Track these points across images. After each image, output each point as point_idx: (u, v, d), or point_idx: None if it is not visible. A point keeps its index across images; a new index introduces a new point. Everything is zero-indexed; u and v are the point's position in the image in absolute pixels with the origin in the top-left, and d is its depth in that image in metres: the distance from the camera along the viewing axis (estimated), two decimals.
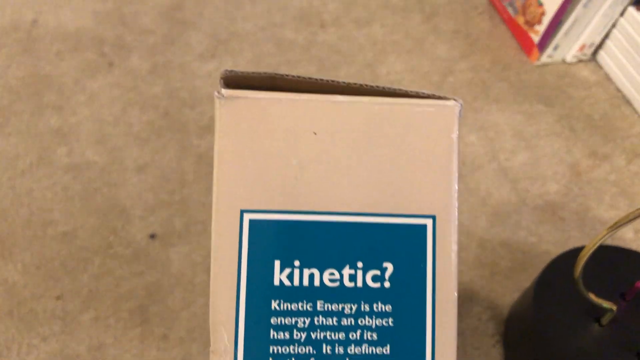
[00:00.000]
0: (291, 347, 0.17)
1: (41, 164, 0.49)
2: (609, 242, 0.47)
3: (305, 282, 0.17)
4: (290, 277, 0.17)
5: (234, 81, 0.17)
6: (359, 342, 0.17)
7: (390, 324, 0.17)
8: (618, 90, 0.58)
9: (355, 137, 0.17)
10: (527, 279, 0.45)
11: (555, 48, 0.58)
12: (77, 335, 0.40)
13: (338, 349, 0.17)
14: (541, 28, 0.57)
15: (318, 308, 0.17)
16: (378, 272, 0.17)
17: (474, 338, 0.42)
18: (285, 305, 0.17)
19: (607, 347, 0.37)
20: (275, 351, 0.17)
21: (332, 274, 0.17)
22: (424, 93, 0.17)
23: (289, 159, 0.17)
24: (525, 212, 0.49)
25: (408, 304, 0.17)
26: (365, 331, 0.17)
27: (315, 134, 0.17)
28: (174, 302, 0.42)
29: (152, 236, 0.45)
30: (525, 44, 0.60)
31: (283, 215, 0.17)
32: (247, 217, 0.17)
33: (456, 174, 0.17)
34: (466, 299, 0.44)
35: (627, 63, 0.56)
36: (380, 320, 0.17)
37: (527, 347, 0.39)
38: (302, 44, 0.59)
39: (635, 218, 0.31)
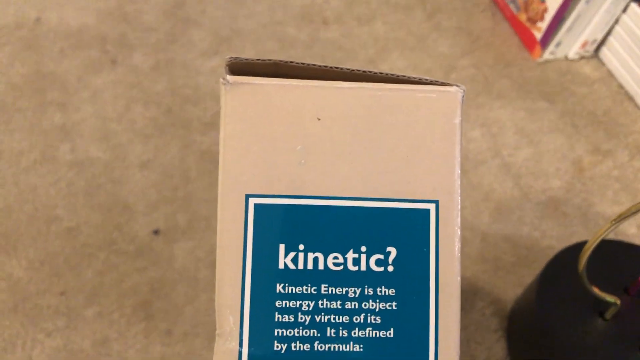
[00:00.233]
0: (295, 329, 0.17)
1: (45, 161, 0.49)
2: (612, 237, 0.47)
3: (310, 266, 0.17)
4: (294, 260, 0.17)
5: (238, 68, 0.17)
6: (362, 326, 0.17)
7: (394, 307, 0.17)
8: (621, 86, 0.58)
9: (359, 123, 0.17)
10: (530, 274, 0.45)
11: (558, 45, 0.58)
12: (81, 330, 0.41)
13: (342, 332, 0.17)
14: (543, 25, 0.57)
15: (322, 291, 0.17)
16: (382, 256, 0.17)
17: (478, 333, 0.42)
18: (289, 289, 0.17)
19: (611, 341, 0.37)
20: (280, 334, 0.17)
21: (336, 258, 0.17)
22: (426, 79, 0.18)
23: (293, 144, 0.17)
24: (528, 208, 0.49)
25: (411, 288, 0.17)
26: (369, 315, 0.17)
27: (319, 119, 0.17)
28: (178, 298, 0.42)
29: (156, 232, 0.45)
30: (527, 41, 0.60)
31: (288, 200, 0.17)
32: (252, 201, 0.17)
33: (459, 159, 0.17)
34: (469, 294, 0.44)
35: (629, 59, 0.56)
36: (384, 304, 0.17)
37: (530, 342, 0.39)
38: (305, 41, 0.59)
39: (638, 211, 0.31)
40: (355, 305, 0.17)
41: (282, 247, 0.17)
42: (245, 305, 0.17)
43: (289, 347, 0.17)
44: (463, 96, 0.18)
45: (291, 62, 0.17)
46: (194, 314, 0.41)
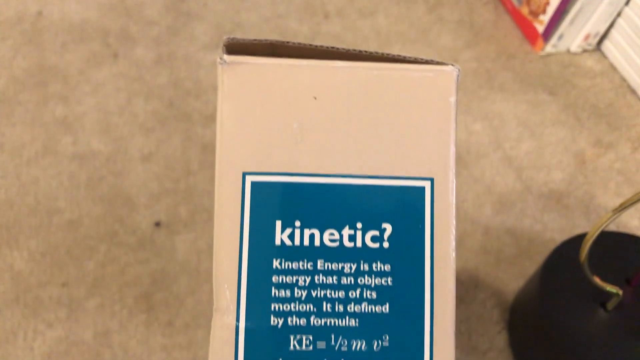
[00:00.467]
0: (292, 304, 0.17)
1: (47, 153, 0.49)
2: (614, 229, 0.47)
3: (306, 242, 0.17)
4: (291, 237, 0.17)
5: (235, 48, 0.17)
6: (358, 301, 0.17)
7: (389, 283, 0.17)
8: (623, 79, 0.58)
9: (355, 102, 0.17)
10: (532, 266, 0.45)
11: (560, 38, 0.58)
12: (82, 321, 0.41)
13: (338, 307, 0.17)
14: (545, 18, 0.57)
15: (318, 267, 0.17)
16: (377, 233, 0.17)
17: (479, 324, 0.42)
18: (286, 264, 0.17)
19: (613, 332, 0.36)
20: (277, 308, 0.17)
21: (332, 234, 0.17)
22: (422, 59, 0.18)
23: (289, 122, 0.17)
24: (530, 200, 0.49)
25: (407, 264, 0.17)
26: (364, 290, 0.17)
27: (315, 98, 0.17)
28: (179, 289, 0.42)
29: (158, 224, 0.45)
30: (529, 34, 0.60)
31: (284, 177, 0.17)
32: (249, 179, 0.17)
33: (454, 138, 0.17)
34: (471, 286, 0.44)
35: (632, 52, 0.56)
36: (380, 280, 0.17)
37: (532, 333, 0.39)
38: (307, 35, 0.59)
39: (639, 200, 0.31)
40: (351, 280, 0.17)
41: (278, 223, 0.17)
42: (242, 280, 0.17)
43: (285, 321, 0.17)
44: (458, 75, 0.18)
45: (287, 42, 0.17)
46: (195, 306, 0.41)
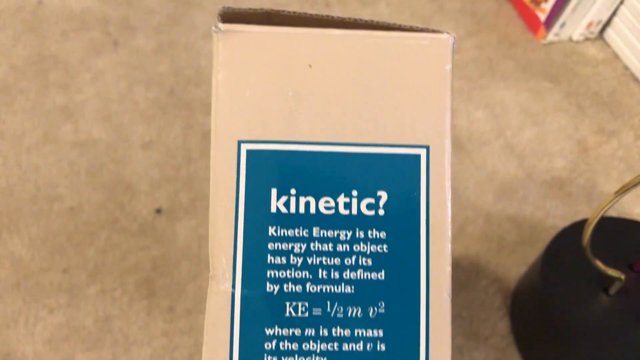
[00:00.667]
0: (288, 271, 0.17)
1: (47, 141, 0.49)
2: (616, 215, 0.47)
3: (302, 210, 0.17)
4: (286, 204, 0.17)
5: (231, 17, 0.18)
6: (354, 268, 0.17)
7: (385, 250, 0.17)
8: (626, 68, 0.57)
9: (350, 70, 0.17)
10: (534, 253, 0.44)
11: (562, 26, 0.58)
12: (83, 307, 0.41)
13: (334, 274, 0.17)
14: (547, 6, 0.57)
15: (314, 234, 0.17)
16: (372, 201, 0.17)
17: (481, 310, 0.42)
18: (282, 232, 0.17)
19: (616, 317, 0.36)
20: (273, 275, 0.17)
21: (327, 202, 0.17)
22: (417, 27, 0.18)
23: (285, 91, 0.17)
24: (532, 188, 0.48)
25: (402, 231, 0.17)
26: (360, 257, 0.17)
27: (310, 66, 0.17)
28: (180, 275, 0.42)
29: (158, 211, 0.45)
30: (531, 23, 0.60)
31: (279, 146, 0.17)
32: (244, 147, 0.17)
33: (449, 106, 0.18)
34: (472, 273, 0.43)
35: (635, 40, 0.56)
36: (375, 247, 0.17)
37: (534, 319, 0.38)
38: None
39: None
40: (346, 247, 0.17)
41: (274, 191, 0.17)
42: (238, 247, 0.17)
43: (281, 288, 0.17)
44: (454, 43, 0.18)
45: (282, 11, 0.18)
46: (196, 291, 0.41)
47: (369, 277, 0.17)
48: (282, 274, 0.17)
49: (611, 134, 0.52)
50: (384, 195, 0.17)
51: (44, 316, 0.40)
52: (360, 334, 0.17)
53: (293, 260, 0.17)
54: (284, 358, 0.17)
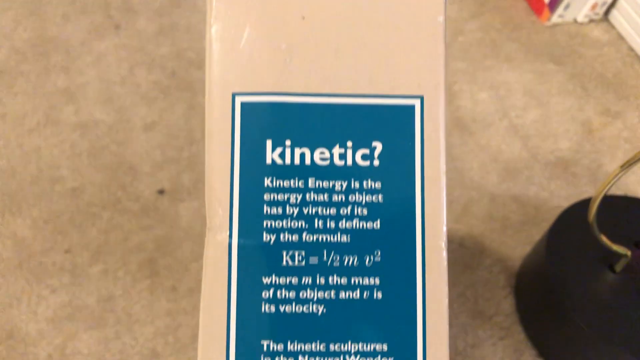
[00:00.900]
0: (284, 221, 0.17)
1: (49, 123, 0.48)
2: (621, 193, 0.47)
3: (297, 161, 0.17)
4: (282, 155, 0.17)
5: None
6: (349, 217, 0.17)
7: (380, 200, 0.17)
8: (631, 49, 0.57)
9: (343, 21, 0.17)
10: (538, 233, 0.44)
11: (566, 8, 0.57)
12: (86, 287, 0.40)
13: (329, 224, 0.17)
14: None
15: (309, 185, 0.17)
16: (367, 151, 0.17)
17: (486, 290, 0.41)
18: (277, 182, 0.17)
19: (622, 294, 0.36)
20: (269, 225, 0.17)
21: (322, 152, 0.17)
22: None
23: (278, 43, 0.17)
24: (536, 169, 0.48)
25: (397, 181, 0.17)
26: (355, 207, 0.17)
27: (303, 18, 0.17)
28: (183, 255, 0.42)
29: (161, 192, 0.45)
30: (535, 5, 0.59)
31: (273, 97, 0.17)
32: (238, 99, 0.17)
33: (443, 57, 0.18)
34: (477, 252, 0.43)
35: None
36: (370, 197, 0.17)
37: (539, 297, 0.38)
38: None
39: None
40: (342, 198, 0.17)
41: (269, 143, 0.17)
42: (235, 198, 0.17)
43: (277, 237, 0.17)
44: None
45: None
46: (199, 271, 0.41)
47: (365, 226, 0.17)
48: (279, 224, 0.17)
49: (616, 115, 0.52)
50: (378, 146, 0.17)
51: (46, 295, 0.40)
52: (356, 282, 0.17)
53: (289, 210, 0.17)
54: (282, 306, 0.17)
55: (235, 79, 0.17)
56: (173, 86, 0.51)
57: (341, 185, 0.17)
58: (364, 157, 0.17)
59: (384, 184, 0.17)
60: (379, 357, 0.17)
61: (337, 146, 0.17)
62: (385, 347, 0.17)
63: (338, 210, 0.17)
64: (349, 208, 0.17)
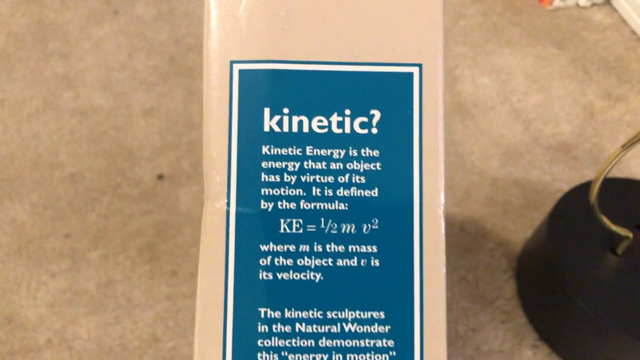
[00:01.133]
0: (282, 189, 0.17)
1: (47, 109, 0.48)
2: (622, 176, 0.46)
3: (295, 129, 0.17)
4: (279, 123, 0.17)
5: None
6: (347, 185, 0.17)
7: (378, 168, 0.17)
8: (633, 32, 0.56)
9: None
10: (540, 217, 0.44)
11: None
12: (85, 272, 0.40)
13: (327, 192, 0.17)
14: None
15: (307, 153, 0.17)
16: (365, 119, 0.17)
17: (487, 273, 0.41)
18: (275, 150, 0.17)
19: (623, 276, 0.36)
20: (267, 193, 0.17)
21: (320, 120, 0.17)
22: None
23: (276, 10, 0.17)
24: (538, 152, 0.48)
25: (395, 149, 0.17)
26: (353, 175, 0.17)
27: None
28: (183, 240, 0.42)
29: (160, 177, 0.45)
30: None
31: (271, 65, 0.17)
32: (236, 67, 0.17)
33: (442, 25, 0.17)
34: (478, 236, 0.43)
35: None
36: (368, 165, 0.17)
37: (541, 280, 0.38)
38: None
39: None
40: (339, 166, 0.17)
41: (267, 110, 0.17)
42: (232, 166, 0.17)
43: (275, 205, 0.17)
44: None
45: None
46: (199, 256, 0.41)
47: (363, 194, 0.17)
48: (276, 191, 0.17)
49: (618, 99, 0.51)
50: (377, 114, 0.17)
51: (46, 281, 0.40)
52: (354, 249, 0.17)
53: (287, 178, 0.17)
54: (279, 274, 0.17)
55: (233, 46, 0.17)
56: (172, 72, 0.51)
57: (339, 153, 0.17)
58: (362, 125, 0.17)
59: (382, 152, 0.17)
60: (376, 324, 0.17)
61: (335, 114, 0.17)
62: (382, 315, 0.17)
63: (336, 178, 0.17)
64: (347, 176, 0.17)
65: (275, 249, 0.17)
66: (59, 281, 0.40)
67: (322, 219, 0.17)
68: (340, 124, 0.17)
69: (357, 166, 0.17)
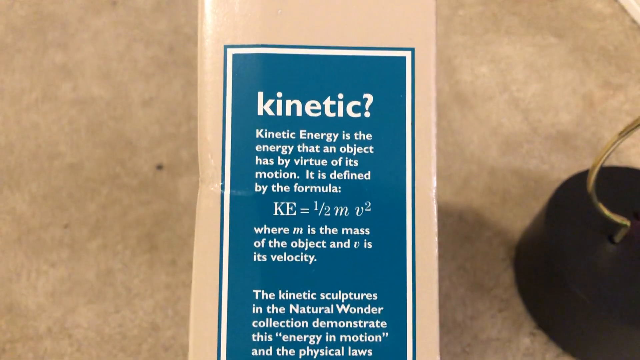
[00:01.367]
0: (275, 172, 0.17)
1: (46, 99, 0.48)
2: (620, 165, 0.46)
3: (288, 112, 0.17)
4: (273, 107, 0.17)
5: None
6: (340, 169, 0.17)
7: (371, 151, 0.17)
8: (633, 21, 0.56)
9: None
10: (538, 206, 0.44)
11: None
12: (85, 261, 0.40)
13: (320, 175, 0.17)
14: None
15: (301, 136, 0.17)
16: (358, 103, 0.17)
17: (485, 262, 0.41)
18: (269, 134, 0.17)
19: (621, 265, 0.36)
20: (260, 176, 0.17)
21: (313, 104, 0.17)
22: None
23: None
24: (537, 142, 0.48)
25: (388, 133, 0.17)
26: (346, 158, 0.17)
27: None
28: (182, 230, 0.42)
29: (159, 167, 0.45)
30: None
31: (265, 49, 0.17)
32: (230, 52, 0.17)
33: (434, 10, 0.18)
34: (476, 225, 0.43)
35: None
36: (361, 148, 0.17)
37: (539, 269, 0.38)
38: None
39: None
40: (333, 149, 0.17)
41: (260, 94, 0.17)
42: (227, 150, 0.17)
43: (269, 188, 0.17)
44: None
45: None
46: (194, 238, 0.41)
47: (355, 177, 0.17)
48: (270, 174, 0.17)
49: (618, 88, 0.51)
50: (370, 98, 0.17)
51: (46, 270, 0.40)
52: (347, 232, 0.17)
53: (280, 161, 0.17)
54: (273, 256, 0.17)
55: (227, 31, 0.17)
56: (171, 62, 0.51)
57: (332, 137, 0.17)
58: (355, 109, 0.17)
59: (375, 135, 0.17)
60: (369, 306, 0.17)
61: (329, 98, 0.17)
62: (375, 296, 0.17)
63: (329, 162, 0.17)
64: (340, 159, 0.17)
65: (269, 232, 0.17)
66: (58, 270, 0.40)
67: (316, 202, 0.17)
68: (334, 108, 0.17)
69: (350, 150, 0.17)
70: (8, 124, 0.47)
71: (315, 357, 0.17)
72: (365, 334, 0.17)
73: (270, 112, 0.17)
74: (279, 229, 0.17)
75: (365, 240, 0.17)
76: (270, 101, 0.17)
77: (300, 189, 0.17)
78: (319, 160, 0.17)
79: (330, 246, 0.17)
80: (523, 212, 0.44)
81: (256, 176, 0.17)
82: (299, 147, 0.17)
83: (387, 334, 0.17)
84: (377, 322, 0.17)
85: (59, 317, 0.38)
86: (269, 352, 0.17)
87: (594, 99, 0.51)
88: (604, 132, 0.49)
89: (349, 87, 0.17)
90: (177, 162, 0.45)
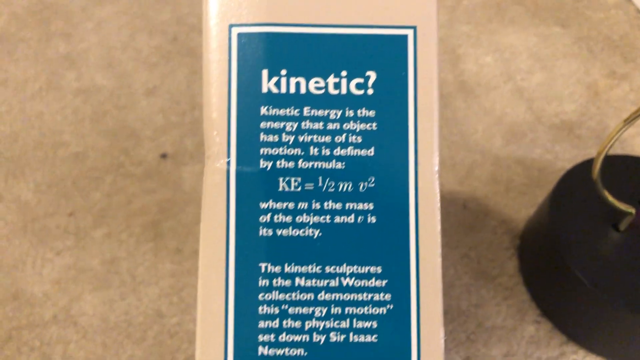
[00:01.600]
0: (280, 149, 0.18)
1: (50, 88, 0.48)
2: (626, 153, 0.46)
3: (292, 90, 0.18)
4: (277, 85, 0.18)
5: None
6: (344, 145, 0.18)
7: (374, 128, 0.18)
8: (638, 11, 0.56)
9: None
10: (542, 195, 0.44)
11: None
12: (90, 249, 0.41)
13: (324, 151, 0.18)
14: None
15: (305, 113, 0.18)
16: (361, 80, 0.18)
17: (489, 251, 0.41)
18: (273, 111, 0.18)
19: (626, 252, 0.36)
20: (265, 152, 0.18)
21: (317, 82, 0.18)
22: None
23: None
24: (541, 131, 0.48)
25: (391, 109, 0.18)
26: (350, 134, 0.18)
27: None
28: (187, 218, 0.42)
29: (164, 156, 0.45)
30: None
31: (269, 28, 0.18)
32: (235, 31, 0.18)
33: None
34: (481, 214, 0.43)
35: None
36: (365, 125, 0.18)
37: (543, 257, 0.38)
38: None
39: None
40: (336, 126, 0.18)
41: (265, 72, 0.18)
42: (232, 126, 0.18)
43: (274, 164, 0.17)
44: None
45: None
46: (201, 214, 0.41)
47: (359, 153, 0.17)
48: (275, 151, 0.17)
49: (622, 77, 0.51)
50: (372, 75, 0.17)
51: (51, 258, 0.40)
52: (351, 207, 0.17)
53: (285, 138, 0.17)
54: (279, 230, 0.17)
55: (232, 10, 0.18)
56: (174, 51, 0.51)
57: (336, 114, 0.17)
58: (358, 86, 0.17)
59: (378, 112, 0.17)
60: (373, 279, 0.17)
61: (332, 75, 0.17)
62: (379, 270, 0.17)
63: (333, 138, 0.17)
64: (344, 136, 0.17)
65: (274, 207, 0.17)
66: (63, 258, 0.40)
67: (320, 178, 0.17)
68: (337, 85, 0.17)
69: (353, 126, 0.17)
70: (12, 113, 0.47)
71: (320, 328, 0.17)
72: (370, 306, 0.17)
73: (274, 90, 0.17)
74: (284, 204, 0.17)
75: (369, 215, 0.17)
76: (275, 79, 0.17)
77: (305, 165, 0.17)
78: (323, 137, 0.17)
79: (335, 221, 0.17)
80: (527, 200, 0.44)
81: (261, 152, 0.17)
82: (303, 123, 0.17)
83: (391, 306, 0.17)
84: (382, 294, 0.17)
85: (64, 305, 0.38)
86: (275, 324, 0.17)
87: (599, 88, 0.50)
88: (609, 121, 0.48)
89: (352, 65, 0.17)
90: (182, 151, 0.45)
